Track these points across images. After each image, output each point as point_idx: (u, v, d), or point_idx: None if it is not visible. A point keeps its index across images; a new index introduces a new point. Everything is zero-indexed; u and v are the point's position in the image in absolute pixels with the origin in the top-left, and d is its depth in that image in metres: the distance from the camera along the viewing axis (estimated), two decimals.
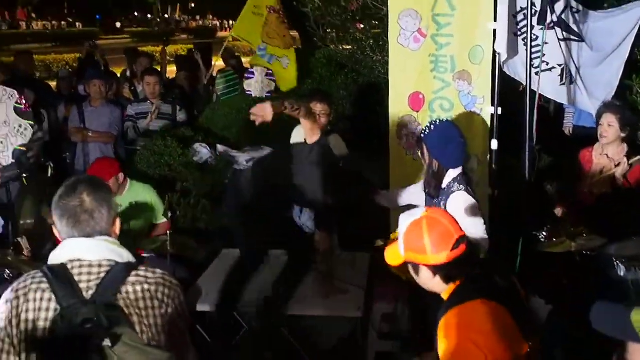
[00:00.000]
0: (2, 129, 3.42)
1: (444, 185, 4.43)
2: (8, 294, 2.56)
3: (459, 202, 4.38)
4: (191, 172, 6.83)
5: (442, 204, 4.44)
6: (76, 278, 2.51)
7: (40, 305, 2.48)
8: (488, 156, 5.49)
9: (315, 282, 5.05)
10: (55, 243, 2.70)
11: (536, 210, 5.27)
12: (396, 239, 3.10)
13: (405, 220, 2.94)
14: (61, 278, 2.50)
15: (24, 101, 3.50)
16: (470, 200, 4.40)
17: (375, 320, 4.95)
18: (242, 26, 9.03)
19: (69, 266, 2.53)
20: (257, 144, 7.37)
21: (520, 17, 5.33)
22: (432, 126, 4.39)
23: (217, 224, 6.43)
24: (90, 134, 7.59)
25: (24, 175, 6.11)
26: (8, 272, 4.70)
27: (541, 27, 5.07)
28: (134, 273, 2.57)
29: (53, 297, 2.47)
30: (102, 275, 2.53)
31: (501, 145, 5.45)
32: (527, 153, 5.17)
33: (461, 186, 4.42)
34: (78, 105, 7.85)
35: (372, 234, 4.96)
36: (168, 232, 5.21)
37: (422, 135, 4.42)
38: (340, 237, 5.77)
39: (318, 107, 5.81)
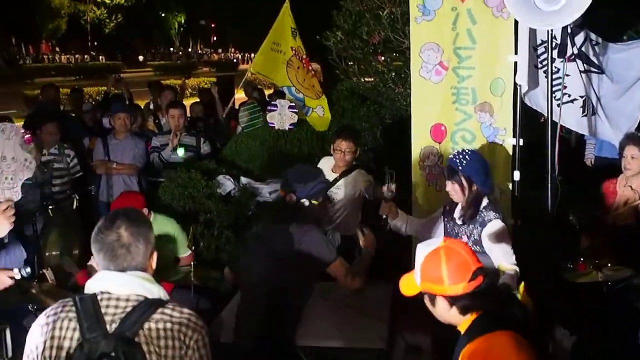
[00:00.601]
0: (11, 165, 3.47)
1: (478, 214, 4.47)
2: (41, 317, 2.61)
3: (498, 230, 4.41)
4: (215, 203, 6.87)
5: (474, 231, 4.45)
6: (103, 310, 2.54)
7: (65, 334, 2.53)
8: (510, 187, 5.50)
9: (336, 313, 5.04)
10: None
11: (559, 241, 5.26)
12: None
13: (422, 250, 2.91)
14: (89, 309, 2.53)
15: (27, 135, 3.58)
16: (506, 229, 4.44)
17: (398, 352, 4.93)
18: (261, 62, 9.15)
19: (99, 297, 2.56)
20: (280, 176, 7.45)
21: (540, 49, 5.38)
22: (467, 156, 4.42)
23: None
24: (114, 166, 7.68)
25: (50, 207, 6.20)
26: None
27: (562, 59, 5.10)
28: (159, 310, 2.58)
29: (78, 327, 2.51)
30: (128, 309, 2.55)
31: (523, 176, 5.47)
32: (549, 184, 5.17)
33: (497, 214, 4.45)
34: (103, 137, 7.96)
35: (394, 265, 4.97)
36: (192, 263, 5.25)
37: (459, 167, 4.42)
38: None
39: (343, 145, 5.89)
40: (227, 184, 7.23)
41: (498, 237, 4.39)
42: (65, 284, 5.19)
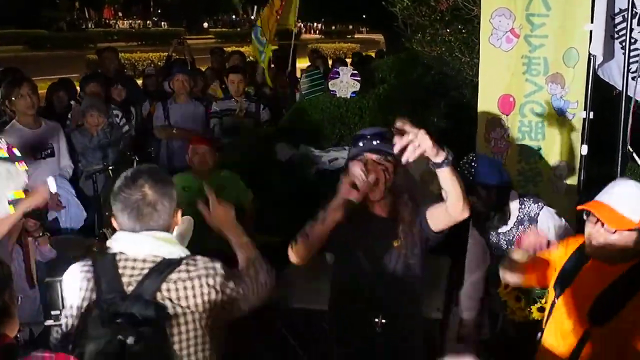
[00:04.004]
0: None
1: (518, 214, 4.28)
2: (67, 275, 2.66)
3: (552, 218, 4.26)
4: (274, 170, 6.84)
5: (527, 230, 4.22)
6: (120, 271, 2.52)
7: (85, 294, 2.54)
8: (578, 163, 5.32)
9: None
10: None
11: None
12: None
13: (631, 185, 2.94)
14: (106, 270, 2.52)
15: (4, 147, 3.45)
16: (553, 211, 4.28)
17: (453, 324, 4.87)
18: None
19: (117, 258, 2.54)
20: (340, 144, 7.38)
21: (618, 18, 5.12)
22: (473, 164, 4.24)
23: (299, 222, 6.43)
24: (174, 131, 7.67)
25: (110, 167, 6.25)
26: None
27: None
28: (176, 270, 2.55)
29: (95, 288, 2.52)
30: (145, 271, 2.52)
31: (592, 152, 5.27)
32: (619, 159, 4.98)
33: (537, 201, 4.30)
34: (163, 101, 7.96)
35: (453, 239, 4.87)
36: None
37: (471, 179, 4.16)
38: None
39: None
40: (286, 151, 7.19)
41: (558, 232, 4.21)
42: None
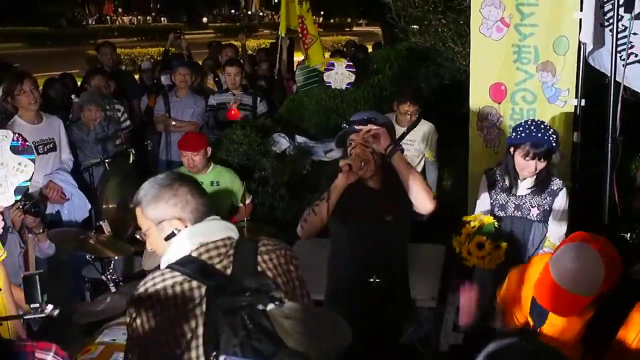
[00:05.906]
0: None
1: (534, 182, 4.33)
2: (135, 306, 2.39)
3: (565, 204, 4.33)
4: (270, 161, 6.87)
5: (544, 202, 4.31)
6: (208, 262, 2.43)
7: (184, 297, 2.36)
8: (570, 150, 5.36)
9: None
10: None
11: (618, 205, 5.11)
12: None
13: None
14: (194, 266, 2.41)
15: (20, 139, 3.47)
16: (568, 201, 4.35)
17: (450, 312, 4.90)
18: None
19: (195, 254, 2.45)
20: (335, 135, 7.41)
21: (607, 6, 5.17)
22: (552, 130, 4.23)
23: (294, 213, 6.46)
24: (173, 124, 7.69)
25: (107, 160, 6.28)
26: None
27: (629, 16, 4.91)
28: (260, 244, 2.55)
29: (195, 283, 2.36)
30: (231, 252, 2.47)
31: (583, 139, 5.32)
32: (609, 146, 5.02)
33: (561, 181, 4.37)
34: (164, 95, 7.96)
35: (447, 227, 4.91)
36: (246, 218, 5.26)
37: (554, 144, 4.18)
38: (418, 229, 5.74)
39: (411, 108, 6.06)
40: (282, 142, 7.21)
41: (564, 213, 4.27)
42: (121, 235, 5.27)
